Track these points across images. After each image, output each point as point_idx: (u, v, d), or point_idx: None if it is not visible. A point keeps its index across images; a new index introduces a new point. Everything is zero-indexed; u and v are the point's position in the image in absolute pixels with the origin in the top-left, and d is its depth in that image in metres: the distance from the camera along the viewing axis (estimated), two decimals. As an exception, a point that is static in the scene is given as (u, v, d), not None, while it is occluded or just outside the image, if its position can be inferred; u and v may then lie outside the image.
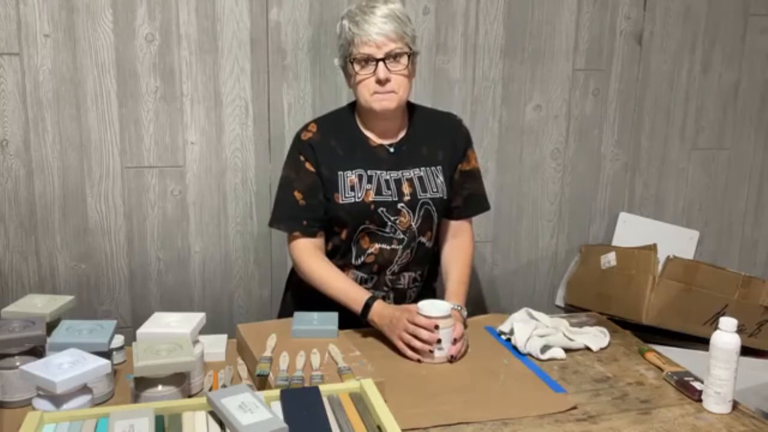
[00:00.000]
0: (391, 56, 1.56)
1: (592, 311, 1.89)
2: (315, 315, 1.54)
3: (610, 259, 2.12)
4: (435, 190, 1.69)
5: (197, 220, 2.09)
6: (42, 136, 1.94)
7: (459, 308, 1.61)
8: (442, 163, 1.71)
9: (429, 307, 1.50)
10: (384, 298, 1.68)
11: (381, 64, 1.56)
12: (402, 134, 1.70)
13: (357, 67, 1.58)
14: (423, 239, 1.70)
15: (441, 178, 1.70)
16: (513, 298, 2.39)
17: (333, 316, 1.53)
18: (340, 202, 1.64)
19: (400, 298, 1.74)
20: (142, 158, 2.01)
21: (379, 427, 1.10)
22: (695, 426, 1.26)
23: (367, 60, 1.57)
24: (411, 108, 1.74)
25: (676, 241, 2.41)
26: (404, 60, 1.58)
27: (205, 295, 2.14)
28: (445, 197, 1.70)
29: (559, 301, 2.41)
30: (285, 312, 1.83)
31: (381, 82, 1.57)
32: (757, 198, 2.56)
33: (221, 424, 1.09)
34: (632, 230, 2.39)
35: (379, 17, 1.55)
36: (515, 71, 2.24)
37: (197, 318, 1.38)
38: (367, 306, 1.58)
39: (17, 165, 1.94)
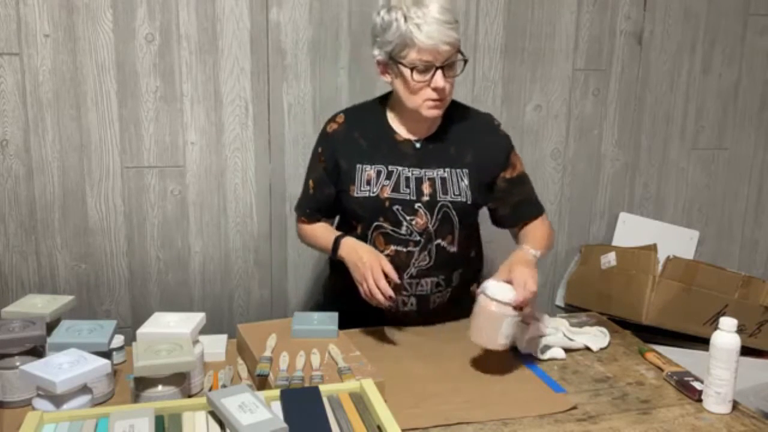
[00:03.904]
0: (449, 64, 1.50)
1: (592, 311, 1.89)
2: (315, 315, 1.54)
3: (610, 259, 2.13)
4: (457, 192, 1.61)
5: (197, 220, 2.09)
6: (42, 136, 1.94)
7: (535, 254, 1.52)
8: (468, 166, 1.63)
9: (494, 289, 1.41)
10: (404, 303, 1.64)
11: (439, 72, 1.49)
12: (433, 130, 1.64)
13: (415, 75, 1.50)
14: (443, 243, 1.62)
15: (466, 181, 1.62)
16: (513, 298, 2.39)
17: (333, 316, 1.53)
18: (355, 195, 1.62)
19: (424, 303, 1.66)
20: (142, 158, 2.01)
21: (379, 427, 1.10)
22: (695, 426, 1.26)
23: (427, 68, 1.49)
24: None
25: (676, 241, 2.42)
26: (459, 66, 1.53)
27: (205, 295, 2.14)
28: (468, 201, 1.62)
29: (559, 301, 2.41)
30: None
31: (438, 91, 1.51)
32: (757, 198, 2.56)
33: (221, 424, 1.09)
34: (632, 230, 2.40)
35: (441, 21, 1.45)
36: (515, 71, 2.24)
37: (197, 318, 1.38)
38: (336, 242, 1.59)
39: (17, 165, 1.94)
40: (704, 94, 2.42)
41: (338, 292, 1.73)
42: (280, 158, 2.11)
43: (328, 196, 1.68)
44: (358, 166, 1.62)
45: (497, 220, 1.73)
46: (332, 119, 1.69)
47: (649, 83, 2.36)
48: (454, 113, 1.66)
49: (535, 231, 1.67)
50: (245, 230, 2.13)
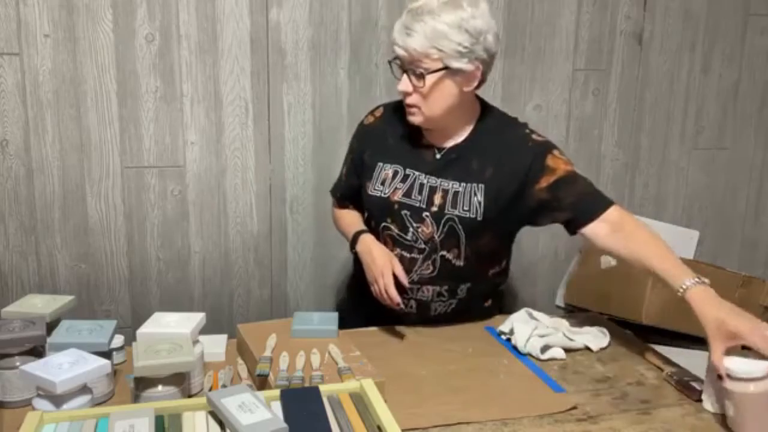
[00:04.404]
0: (413, 72, 1.47)
1: (592, 311, 1.89)
2: (315, 315, 1.54)
3: (610, 259, 2.12)
4: (466, 208, 1.54)
5: (197, 220, 2.09)
6: (42, 136, 1.94)
7: (701, 281, 1.34)
8: (487, 182, 1.55)
9: (739, 367, 1.18)
10: (405, 306, 1.62)
11: (405, 75, 1.48)
12: (459, 140, 1.58)
13: (395, 68, 1.51)
14: (448, 255, 1.59)
15: (480, 197, 1.54)
16: (513, 298, 2.39)
17: (333, 316, 1.53)
18: (369, 192, 1.63)
19: (424, 309, 1.65)
20: (142, 158, 2.01)
21: (379, 427, 1.10)
22: (695, 426, 1.26)
23: (400, 67, 1.49)
24: (484, 110, 1.61)
25: (676, 241, 2.41)
26: (423, 80, 1.46)
27: (205, 295, 2.14)
28: (478, 218, 1.54)
29: (559, 301, 2.41)
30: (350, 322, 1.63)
31: (402, 93, 1.50)
32: (757, 198, 2.56)
33: (221, 424, 1.09)
34: (632, 230, 2.39)
35: (405, 27, 1.44)
36: (515, 71, 2.24)
37: (197, 318, 1.38)
38: (355, 237, 1.62)
39: (17, 165, 1.94)
40: (704, 94, 2.42)
41: (359, 286, 1.72)
42: (280, 158, 2.11)
43: (354, 186, 1.72)
44: (379, 164, 1.63)
45: (570, 230, 1.57)
46: (372, 111, 1.70)
47: (649, 83, 2.36)
48: (488, 124, 1.59)
49: (648, 244, 1.44)
50: (245, 230, 2.13)
